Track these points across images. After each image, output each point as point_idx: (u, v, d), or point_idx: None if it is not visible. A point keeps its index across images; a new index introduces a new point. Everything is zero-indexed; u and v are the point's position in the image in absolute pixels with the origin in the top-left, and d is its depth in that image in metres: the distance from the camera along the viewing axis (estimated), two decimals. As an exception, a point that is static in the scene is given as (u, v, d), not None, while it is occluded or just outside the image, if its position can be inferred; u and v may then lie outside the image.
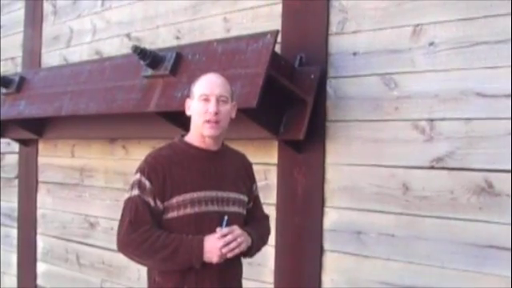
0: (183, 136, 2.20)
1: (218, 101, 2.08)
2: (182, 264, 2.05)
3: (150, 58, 3.03)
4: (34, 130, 4.25)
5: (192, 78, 2.33)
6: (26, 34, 4.82)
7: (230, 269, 2.14)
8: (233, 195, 2.16)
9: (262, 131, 2.83)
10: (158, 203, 2.06)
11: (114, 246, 2.11)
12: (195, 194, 2.07)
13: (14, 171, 4.91)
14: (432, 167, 2.48)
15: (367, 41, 2.71)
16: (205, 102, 2.09)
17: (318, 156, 2.84)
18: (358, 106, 2.72)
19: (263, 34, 2.73)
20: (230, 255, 2.05)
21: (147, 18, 3.79)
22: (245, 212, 2.23)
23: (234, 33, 3.21)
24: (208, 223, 2.07)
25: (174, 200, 2.06)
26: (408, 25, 2.57)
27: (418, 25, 2.54)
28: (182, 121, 2.57)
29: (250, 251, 2.17)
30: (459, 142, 2.41)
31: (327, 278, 2.82)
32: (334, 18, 2.83)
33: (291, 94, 2.79)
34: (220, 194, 2.12)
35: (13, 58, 5.02)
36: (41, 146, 4.59)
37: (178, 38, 3.57)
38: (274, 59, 2.69)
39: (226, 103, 2.11)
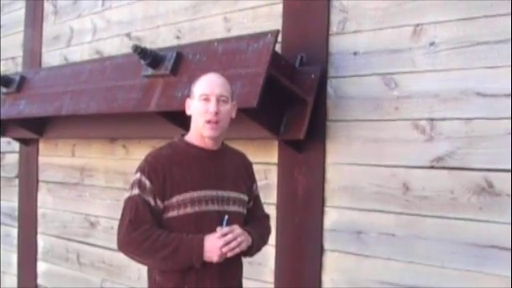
0: (183, 135, 2.21)
1: (218, 101, 2.08)
2: (183, 263, 2.05)
3: (150, 57, 3.03)
4: (34, 130, 4.25)
5: (192, 78, 2.33)
6: (27, 33, 4.82)
7: (231, 268, 2.14)
8: (233, 194, 2.16)
9: (263, 131, 2.83)
10: (159, 202, 2.06)
11: (115, 246, 2.11)
12: (195, 194, 2.07)
13: (14, 170, 4.91)
14: (432, 167, 2.48)
15: (368, 41, 2.71)
16: (205, 101, 2.09)
17: (319, 156, 2.84)
18: (359, 105, 2.73)
19: (264, 34, 2.73)
20: (230, 254, 2.05)
21: (148, 17, 3.79)
22: (245, 211, 2.23)
23: (234, 32, 3.21)
24: (208, 222, 2.07)
25: (174, 199, 2.06)
26: (408, 25, 2.58)
27: (418, 25, 2.55)
28: (182, 120, 2.57)
29: (251, 251, 2.17)
30: (459, 141, 2.41)
31: (327, 278, 2.82)
32: (335, 18, 2.83)
33: (292, 93, 2.79)
34: (220, 193, 2.12)
35: (13, 58, 5.02)
36: (41, 145, 4.59)
37: (178, 37, 3.57)
38: (275, 59, 2.70)
39: (226, 103, 2.11)
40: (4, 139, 4.81)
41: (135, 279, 3.73)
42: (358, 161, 2.72)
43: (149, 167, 2.08)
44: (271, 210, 2.81)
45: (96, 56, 4.11)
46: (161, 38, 3.67)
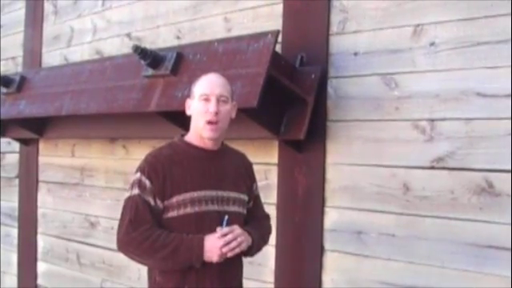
0: (183, 135, 2.21)
1: (218, 101, 2.08)
2: (183, 263, 2.05)
3: (150, 57, 3.04)
4: (34, 130, 4.25)
5: (192, 78, 2.33)
6: (27, 33, 4.82)
7: (231, 268, 2.14)
8: (233, 195, 2.16)
9: (263, 131, 2.83)
10: (158, 202, 2.06)
11: (115, 246, 2.11)
12: (195, 194, 2.07)
13: (14, 171, 4.91)
14: (432, 167, 2.48)
15: (368, 41, 2.71)
16: (205, 101, 2.09)
17: (319, 156, 2.84)
18: (359, 105, 2.73)
19: (264, 34, 2.73)
20: (230, 254, 2.04)
21: (148, 17, 3.79)
22: (245, 211, 2.23)
23: (234, 33, 3.21)
24: (208, 223, 2.07)
25: (174, 199, 2.06)
26: (409, 25, 2.58)
27: (418, 25, 2.55)
28: (182, 120, 2.57)
29: (251, 251, 2.17)
30: (460, 141, 2.41)
31: (327, 278, 2.82)
32: (335, 18, 2.83)
33: (292, 93, 2.79)
34: (220, 193, 2.12)
35: (13, 58, 5.02)
36: (41, 145, 4.59)
37: (178, 37, 3.57)
38: (275, 59, 2.70)
39: (226, 103, 2.11)
40: (4, 139, 4.81)
41: (135, 279, 3.73)
42: (359, 161, 2.72)
43: (149, 167, 2.08)
44: (271, 210, 2.80)
45: (96, 56, 4.12)
46: (161, 38, 3.67)
